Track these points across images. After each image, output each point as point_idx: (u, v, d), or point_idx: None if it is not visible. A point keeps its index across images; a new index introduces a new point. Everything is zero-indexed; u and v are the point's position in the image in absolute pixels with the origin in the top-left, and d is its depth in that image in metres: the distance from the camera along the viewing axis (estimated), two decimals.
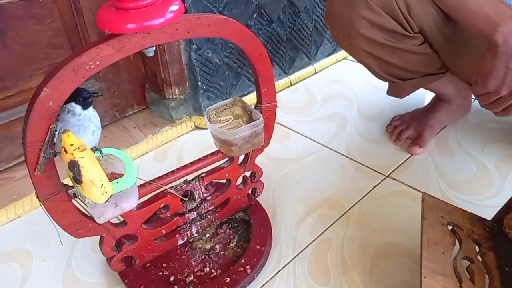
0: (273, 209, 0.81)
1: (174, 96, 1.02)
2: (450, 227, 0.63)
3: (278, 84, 1.22)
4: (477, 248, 0.61)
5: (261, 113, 0.64)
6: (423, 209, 0.65)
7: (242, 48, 0.58)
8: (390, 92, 0.93)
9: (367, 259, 0.70)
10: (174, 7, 0.46)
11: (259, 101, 0.65)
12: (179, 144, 1.01)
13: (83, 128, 0.53)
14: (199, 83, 1.03)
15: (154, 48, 0.50)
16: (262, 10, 1.08)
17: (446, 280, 0.56)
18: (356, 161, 0.93)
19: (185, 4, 0.91)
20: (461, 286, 0.55)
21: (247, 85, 1.15)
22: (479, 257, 0.60)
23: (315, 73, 1.32)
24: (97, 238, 0.60)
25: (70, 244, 0.75)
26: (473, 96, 0.99)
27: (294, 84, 1.27)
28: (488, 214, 0.76)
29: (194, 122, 1.05)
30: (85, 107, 0.53)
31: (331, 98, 1.18)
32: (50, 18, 0.84)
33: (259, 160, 0.71)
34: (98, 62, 0.45)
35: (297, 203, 0.82)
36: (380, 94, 0.91)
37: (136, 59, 1.01)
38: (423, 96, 1.10)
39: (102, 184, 0.47)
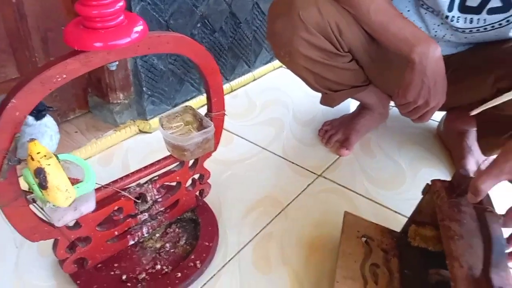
0: (218, 208, 0.87)
1: (119, 101, 1.04)
2: (364, 239, 0.74)
3: None
4: (384, 256, 0.72)
5: (211, 121, 0.71)
6: (343, 225, 0.76)
7: (197, 63, 0.63)
8: (323, 102, 1.04)
9: (303, 249, 0.79)
10: (139, 28, 0.51)
11: (209, 110, 0.71)
12: (123, 148, 1.03)
13: (40, 135, 0.55)
14: (144, 89, 1.06)
15: (117, 62, 0.54)
16: (206, 20, 1.14)
17: (354, 283, 0.66)
18: (292, 162, 1.03)
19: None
20: (365, 287, 0.66)
21: (190, 91, 1.20)
22: (384, 263, 0.71)
23: (254, 79, 1.40)
24: (43, 241, 0.61)
25: (16, 249, 0.75)
26: (391, 104, 1.14)
27: (235, 90, 1.34)
28: (402, 206, 0.90)
29: (138, 126, 1.08)
30: (38, 118, 0.55)
31: (269, 104, 1.27)
32: None
33: (205, 163, 0.77)
34: (64, 76, 0.49)
35: (240, 202, 0.89)
36: (313, 100, 1.01)
37: None
38: (349, 104, 1.23)
39: (67, 189, 0.50)
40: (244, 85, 1.37)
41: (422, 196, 0.72)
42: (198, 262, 0.71)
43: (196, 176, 0.79)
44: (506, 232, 0.57)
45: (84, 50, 0.48)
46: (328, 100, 1.02)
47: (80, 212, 0.57)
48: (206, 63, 0.63)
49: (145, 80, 1.05)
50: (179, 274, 0.69)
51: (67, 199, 0.50)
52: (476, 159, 1.01)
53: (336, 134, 1.09)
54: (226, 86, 1.31)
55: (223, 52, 1.25)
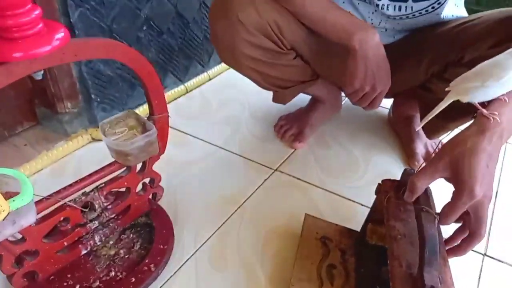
0: (175, 211, 0.87)
1: (67, 110, 1.02)
2: (323, 240, 0.75)
3: (174, 91, 1.28)
4: (341, 256, 0.73)
5: (154, 124, 0.70)
6: (303, 227, 0.77)
7: (131, 67, 0.63)
8: (274, 99, 1.05)
9: (260, 242, 0.80)
10: (60, 35, 0.50)
11: (151, 113, 0.71)
12: (76, 158, 1.02)
13: None
14: (93, 96, 1.04)
15: (42, 72, 0.53)
16: (151, 22, 1.13)
17: (310, 284, 0.68)
18: (248, 159, 1.04)
19: (71, 20, 0.92)
20: None
21: (143, 95, 1.18)
22: (341, 263, 0.72)
23: (210, 79, 1.40)
24: None
25: None
26: (343, 95, 1.17)
27: (190, 91, 1.34)
28: (356, 194, 0.92)
29: (90, 135, 1.06)
30: None
31: (225, 103, 1.27)
32: None
33: (159, 167, 0.77)
34: None
35: (197, 202, 0.89)
36: (269, 97, 1.03)
37: None
38: (306, 98, 1.25)
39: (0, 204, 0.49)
40: (200, 86, 1.37)
41: (375, 195, 0.72)
42: (152, 265, 0.71)
43: (147, 180, 0.78)
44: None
45: (4, 62, 0.48)
46: (279, 98, 1.03)
47: (20, 225, 0.56)
48: (141, 66, 0.63)
49: (92, 87, 1.03)
50: (133, 279, 0.69)
51: (0, 213, 0.49)
52: (424, 142, 1.05)
53: (291, 129, 1.11)
54: (181, 88, 1.31)
55: (173, 53, 1.25)
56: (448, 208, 0.57)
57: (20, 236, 0.62)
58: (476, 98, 0.60)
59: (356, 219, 0.85)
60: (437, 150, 1.05)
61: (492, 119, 0.56)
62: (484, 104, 0.59)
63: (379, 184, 0.72)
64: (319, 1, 0.81)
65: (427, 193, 0.62)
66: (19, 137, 1.02)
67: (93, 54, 0.57)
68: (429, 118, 0.68)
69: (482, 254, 0.81)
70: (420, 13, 0.84)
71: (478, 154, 0.55)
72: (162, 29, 1.17)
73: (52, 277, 0.69)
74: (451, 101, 0.64)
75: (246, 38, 0.83)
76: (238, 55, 0.86)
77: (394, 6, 0.83)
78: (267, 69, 0.91)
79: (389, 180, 0.71)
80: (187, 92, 1.32)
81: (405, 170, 0.68)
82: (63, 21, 0.92)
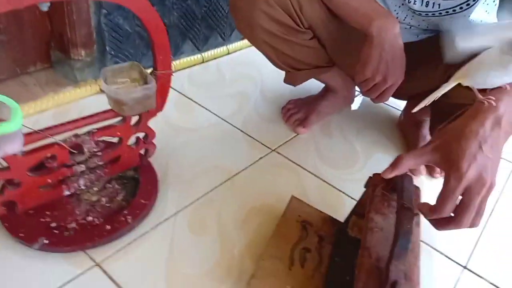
0: (165, 171, 0.87)
1: (80, 58, 1.03)
2: (303, 224, 0.74)
3: (190, 59, 1.28)
4: (318, 241, 0.72)
5: (156, 79, 0.70)
6: (286, 208, 0.77)
7: (140, 18, 0.63)
8: (286, 80, 1.03)
9: (241, 216, 0.80)
10: None
11: (154, 68, 0.71)
12: (80, 105, 1.03)
13: None
14: (107, 48, 1.05)
15: (49, 3, 0.53)
16: None
17: (280, 262, 0.67)
18: (249, 136, 1.03)
19: None
20: (290, 269, 0.67)
21: None
22: (317, 248, 0.71)
23: (228, 53, 1.39)
24: None
25: None
26: (357, 89, 1.15)
27: (207, 61, 1.33)
28: (348, 186, 0.90)
29: (99, 85, 1.07)
30: None
31: (239, 79, 1.27)
32: None
33: (159, 126, 0.77)
34: None
35: (189, 167, 0.90)
36: (282, 80, 1.02)
37: (42, 16, 1.00)
38: (318, 86, 1.23)
39: None
40: (217, 58, 1.36)
41: (364, 189, 0.71)
42: (129, 217, 0.71)
43: (141, 136, 0.79)
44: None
45: None
46: (290, 79, 1.02)
47: (4, 151, 0.57)
48: (150, 18, 0.63)
49: (108, 39, 1.03)
50: (109, 227, 0.69)
51: None
52: None
53: (298, 113, 1.10)
54: (197, 56, 1.30)
55: (195, 21, 1.24)
56: (439, 197, 0.55)
57: (5, 165, 0.63)
58: (477, 83, 0.58)
59: (342, 211, 0.84)
60: None
61: (486, 103, 0.54)
62: (485, 92, 0.57)
63: (369, 177, 0.70)
64: None
65: (413, 192, 0.60)
66: (30, 76, 1.04)
67: None
68: (429, 102, 0.66)
69: (463, 266, 0.78)
70: (447, 12, 0.80)
71: (468, 136, 0.53)
72: None
73: (31, 211, 0.70)
74: (454, 84, 0.62)
75: (265, 10, 0.82)
76: (254, 26, 0.85)
77: (422, 1, 0.80)
78: (281, 45, 0.89)
79: (380, 175, 0.69)
80: (203, 61, 1.32)
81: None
82: None
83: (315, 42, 0.92)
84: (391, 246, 0.53)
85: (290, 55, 0.92)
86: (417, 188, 0.68)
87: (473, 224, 0.54)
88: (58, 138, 0.66)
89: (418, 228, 0.61)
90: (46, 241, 0.66)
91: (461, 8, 0.77)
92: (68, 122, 0.67)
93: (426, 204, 0.56)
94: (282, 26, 0.85)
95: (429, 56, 0.89)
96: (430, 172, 1.00)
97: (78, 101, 1.04)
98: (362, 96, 1.21)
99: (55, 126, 0.65)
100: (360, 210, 0.73)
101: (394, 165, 0.57)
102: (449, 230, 0.56)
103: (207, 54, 1.33)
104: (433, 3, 0.79)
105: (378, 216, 0.62)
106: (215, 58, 1.35)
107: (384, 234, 0.59)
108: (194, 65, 1.30)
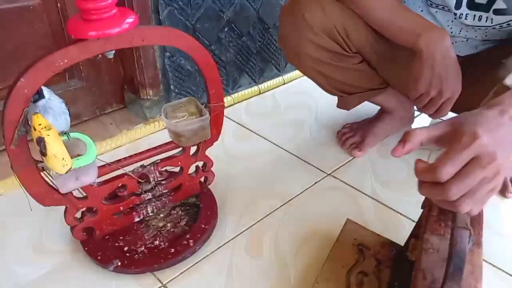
0: (224, 198, 0.92)
1: (149, 97, 1.14)
2: (360, 248, 0.74)
3: (247, 91, 1.35)
4: (376, 265, 0.71)
5: (210, 111, 0.77)
6: (342, 231, 0.77)
7: (192, 56, 0.70)
8: (338, 105, 1.05)
9: (297, 240, 0.81)
10: (129, 20, 0.58)
11: (208, 101, 0.77)
12: (150, 140, 1.13)
13: (43, 113, 0.63)
14: (172, 86, 1.15)
15: (113, 51, 0.62)
16: (233, 25, 1.21)
17: (335, 286, 0.67)
18: (305, 161, 1.05)
19: (160, 17, 1.04)
20: None
21: None
22: (375, 272, 0.69)
23: (284, 83, 1.45)
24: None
25: (43, 218, 0.86)
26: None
27: (263, 92, 1.39)
28: (408, 209, 0.88)
29: None
30: (35, 101, 0.62)
31: (294, 107, 1.30)
32: (40, 23, 0.97)
33: (219, 156, 0.83)
34: (66, 60, 0.57)
35: (246, 193, 0.94)
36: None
37: (116, 63, 1.13)
38: (374, 108, 1.23)
39: (63, 158, 0.58)
40: (273, 88, 1.41)
41: (422, 210, 0.70)
42: (191, 241, 0.76)
43: (200, 164, 0.85)
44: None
45: (82, 39, 0.57)
46: (343, 103, 1.03)
47: (81, 182, 0.66)
48: (201, 56, 0.70)
49: (172, 79, 1.14)
50: (172, 250, 0.75)
51: (64, 166, 0.59)
52: None
53: (353, 137, 1.10)
54: (254, 88, 1.37)
55: (251, 55, 1.31)
56: (439, 157, 0.45)
57: (84, 194, 0.72)
58: None
59: (403, 234, 0.81)
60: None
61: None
62: None
63: (425, 197, 0.68)
64: (388, 5, 0.80)
65: (475, 217, 0.58)
66: (107, 116, 1.17)
67: (158, 40, 0.65)
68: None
69: None
70: (501, 26, 0.78)
71: (491, 105, 0.47)
72: (243, 32, 1.25)
73: (107, 236, 0.78)
74: None
75: (311, 38, 0.85)
76: (302, 55, 0.89)
77: (474, 16, 0.79)
78: (330, 71, 0.92)
79: None
80: (260, 93, 1.38)
81: None
82: (153, 17, 1.04)
83: (365, 65, 0.93)
84: (445, 267, 0.51)
85: (340, 80, 0.94)
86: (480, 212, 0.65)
87: (460, 204, 0.46)
88: (127, 169, 0.74)
89: (478, 249, 0.58)
90: (119, 263, 0.73)
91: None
92: (135, 155, 0.75)
93: (422, 162, 0.48)
94: (330, 53, 0.88)
95: (489, 68, 0.85)
96: (502, 192, 0.93)
97: (148, 136, 1.15)
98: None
99: (124, 158, 0.74)
100: (418, 232, 0.71)
101: (404, 139, 0.49)
102: (432, 197, 0.49)
103: (264, 85, 1.39)
104: (486, 17, 0.77)
105: (434, 237, 0.60)
106: (271, 89, 1.41)
107: (440, 255, 0.57)
108: (252, 96, 1.36)
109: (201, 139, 0.77)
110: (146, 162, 0.77)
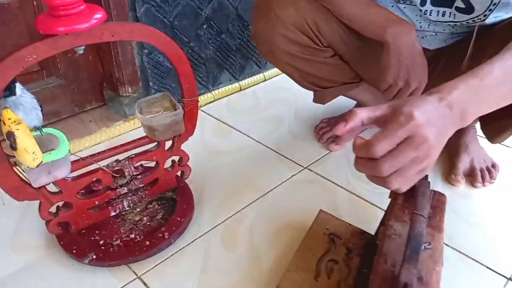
0: (201, 191, 0.93)
1: (128, 94, 1.15)
2: (331, 237, 0.76)
3: (228, 88, 1.37)
4: (346, 253, 0.73)
5: (184, 106, 0.78)
6: (314, 221, 0.78)
7: (163, 52, 0.71)
8: (314, 99, 1.07)
9: (272, 232, 0.83)
10: (98, 16, 0.59)
11: (182, 96, 0.78)
12: (130, 137, 1.11)
13: (13, 108, 0.64)
14: (151, 83, 1.16)
15: (83, 47, 0.63)
16: (212, 22, 1.22)
17: (306, 273, 0.69)
18: (282, 155, 1.07)
19: (137, 14, 1.04)
20: (316, 280, 0.68)
21: (198, 88, 1.28)
22: (345, 260, 0.71)
23: (265, 80, 1.46)
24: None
25: (18, 213, 0.86)
26: None
27: (244, 89, 1.41)
28: (382, 200, 0.90)
29: None
30: (5, 96, 0.63)
31: (274, 103, 1.32)
32: (16, 22, 0.97)
33: (197, 151, 0.84)
34: (35, 56, 0.58)
35: (223, 187, 0.95)
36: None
37: (95, 61, 1.14)
38: (351, 103, 1.25)
39: (34, 152, 0.59)
40: (254, 85, 1.43)
41: (390, 199, 0.71)
42: (167, 233, 0.78)
43: (176, 159, 0.86)
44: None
45: (51, 34, 0.58)
46: (319, 98, 1.05)
47: (54, 176, 0.67)
48: (173, 51, 0.71)
49: (151, 75, 1.15)
50: (148, 243, 0.76)
51: (34, 160, 0.59)
52: (471, 157, 0.99)
53: (330, 131, 1.12)
54: (235, 85, 1.38)
55: (231, 52, 1.33)
56: (380, 132, 0.47)
57: (58, 189, 0.73)
58: None
59: (375, 224, 0.83)
60: (493, 173, 0.97)
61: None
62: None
63: None
64: (357, 0, 0.82)
65: (428, 197, 0.60)
66: (87, 114, 1.18)
67: (129, 36, 0.66)
68: None
69: (507, 278, 0.74)
70: (462, 23, 0.81)
71: (424, 98, 0.49)
72: (222, 29, 1.26)
73: (83, 231, 0.79)
74: None
75: (283, 33, 0.87)
76: (275, 50, 0.90)
77: (438, 12, 0.81)
78: (303, 65, 0.93)
79: None
80: (240, 89, 1.40)
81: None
82: (130, 15, 1.05)
83: (337, 59, 0.95)
84: (404, 251, 0.53)
85: (314, 74, 0.96)
86: (441, 194, 0.68)
87: (390, 181, 0.48)
88: (101, 164, 0.75)
89: (439, 234, 0.60)
90: (94, 256, 0.74)
91: (474, 21, 0.77)
92: (109, 149, 0.76)
93: (361, 138, 0.50)
94: (301, 47, 0.90)
95: (459, 60, 0.88)
96: (472, 182, 0.96)
97: (127, 133, 1.15)
98: None
99: (98, 153, 0.75)
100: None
101: (346, 118, 0.51)
102: (365, 173, 0.51)
103: (245, 82, 1.41)
104: (450, 12, 0.80)
105: (397, 224, 0.62)
106: (252, 86, 1.43)
107: (402, 240, 0.59)
108: (232, 93, 1.38)
109: (175, 133, 0.78)
110: (121, 156, 0.78)
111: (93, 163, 0.74)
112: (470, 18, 0.77)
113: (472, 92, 0.50)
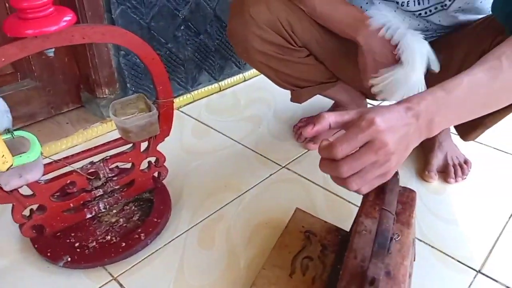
0: (180, 192, 0.94)
1: (105, 96, 1.14)
2: (307, 234, 0.76)
3: (207, 88, 1.37)
4: (321, 250, 0.74)
5: (159, 107, 0.78)
6: (290, 219, 0.79)
7: (136, 53, 0.71)
8: (291, 98, 1.08)
9: (249, 231, 0.84)
10: (67, 18, 0.59)
11: (156, 97, 0.78)
12: (107, 139, 1.10)
13: None
14: (128, 85, 1.15)
15: (53, 49, 0.62)
16: (189, 23, 1.22)
17: (281, 270, 0.70)
18: (261, 155, 1.08)
19: (112, 16, 1.04)
20: (291, 276, 0.69)
21: (176, 89, 1.29)
22: (320, 257, 0.72)
23: (245, 80, 1.47)
24: None
25: None
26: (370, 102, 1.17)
27: (224, 89, 1.41)
28: (359, 198, 0.91)
29: None
30: None
31: (254, 103, 1.33)
32: None
33: (175, 152, 0.84)
34: (3, 59, 0.58)
35: (202, 188, 0.95)
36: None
37: (70, 62, 1.13)
38: (330, 102, 1.27)
39: (3, 155, 0.59)
40: (234, 85, 1.44)
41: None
42: (143, 234, 0.78)
43: (153, 160, 0.86)
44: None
45: (20, 37, 0.58)
46: (295, 97, 1.06)
47: (26, 179, 0.66)
48: (146, 53, 0.71)
49: (128, 77, 1.14)
50: (124, 244, 0.76)
51: (4, 163, 0.59)
52: (444, 154, 1.02)
53: None
54: (214, 86, 1.38)
55: (209, 53, 1.33)
56: (342, 135, 0.48)
57: (31, 192, 0.72)
58: None
59: (351, 221, 0.85)
60: (465, 169, 1.00)
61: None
62: None
63: None
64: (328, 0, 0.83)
65: (396, 193, 0.62)
66: (63, 116, 1.17)
67: (100, 38, 0.66)
68: None
69: (476, 271, 0.76)
70: (436, 8, 0.82)
71: (391, 107, 0.50)
72: (200, 30, 1.26)
73: (58, 233, 0.79)
74: None
75: (257, 33, 0.88)
76: (250, 49, 0.91)
77: (414, 1, 0.83)
78: (279, 65, 0.94)
79: None
80: (220, 90, 1.40)
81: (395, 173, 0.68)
82: (106, 16, 1.05)
83: (312, 59, 0.96)
84: (372, 247, 0.55)
85: (289, 74, 0.97)
86: (411, 191, 0.69)
87: (350, 182, 0.50)
88: (75, 166, 0.75)
89: (408, 230, 0.62)
90: (69, 259, 0.73)
91: (442, 6, 0.79)
92: (83, 151, 0.75)
93: (326, 140, 0.51)
94: (276, 47, 0.91)
95: (445, 50, 0.89)
96: (445, 178, 0.98)
97: (105, 135, 1.15)
98: None
99: (72, 155, 0.74)
100: None
101: (313, 121, 0.53)
102: (328, 173, 0.53)
103: (224, 82, 1.41)
104: None
105: (367, 220, 0.63)
106: (231, 86, 1.43)
107: (372, 236, 0.60)
108: (212, 94, 1.38)
109: (150, 134, 0.78)
110: (96, 158, 0.78)
111: (66, 166, 0.73)
112: (439, 3, 0.79)
113: (440, 103, 0.51)
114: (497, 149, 1.09)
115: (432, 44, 0.91)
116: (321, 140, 0.52)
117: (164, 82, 0.77)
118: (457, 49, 0.86)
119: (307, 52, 0.95)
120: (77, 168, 0.75)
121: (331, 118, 0.52)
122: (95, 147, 0.77)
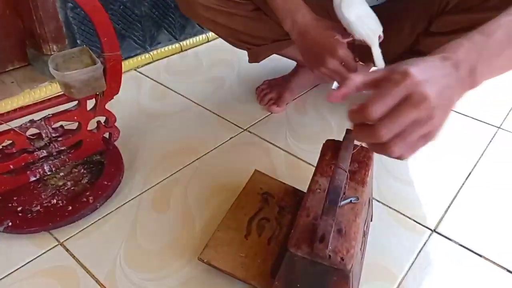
0: (134, 155, 0.89)
1: (53, 53, 1.05)
2: (264, 196, 0.75)
3: (167, 48, 1.30)
4: (278, 211, 0.72)
5: (105, 62, 0.72)
6: (248, 181, 0.77)
7: (76, 1, 0.64)
8: (249, 59, 1.03)
9: (206, 194, 0.81)
10: None
11: (101, 50, 0.72)
12: None
13: None
14: (78, 41, 1.07)
15: None
16: None
17: (236, 232, 0.68)
18: (222, 117, 1.04)
19: None
20: (246, 238, 0.67)
21: (133, 48, 1.21)
22: (277, 218, 0.71)
23: (208, 41, 1.40)
24: None
25: None
26: None
27: (185, 50, 1.34)
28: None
29: None
30: None
31: (216, 64, 1.27)
32: None
33: (133, 114, 0.78)
34: None
35: (158, 150, 0.91)
36: (259, 64, 1.02)
37: (13, 16, 1.03)
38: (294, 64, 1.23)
39: None
40: (196, 46, 1.37)
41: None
42: (91, 198, 0.73)
43: (102, 120, 0.80)
44: None
45: None
46: (252, 56, 1.02)
47: None
48: (86, 1, 0.64)
49: (78, 32, 1.06)
50: (70, 208, 0.72)
51: None
52: None
53: (271, 92, 1.09)
54: (175, 46, 1.31)
55: (169, 10, 1.25)
56: (374, 93, 0.42)
57: None
58: None
59: None
60: None
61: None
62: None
63: (323, 144, 0.70)
64: None
65: (350, 152, 0.60)
66: (8, 75, 1.08)
67: None
68: None
69: (431, 230, 0.77)
70: None
71: (425, 58, 0.44)
72: None
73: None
74: None
75: None
76: (193, 4, 0.85)
77: None
78: (225, 20, 0.88)
79: (333, 140, 0.69)
80: (181, 51, 1.33)
81: (347, 130, 0.66)
82: None
83: (261, 13, 0.90)
84: (323, 204, 0.53)
85: (240, 30, 0.91)
86: (368, 150, 0.68)
87: (391, 146, 0.42)
88: (13, 125, 0.69)
89: (363, 188, 0.60)
90: (9, 223, 0.68)
91: None
92: (21, 108, 0.69)
93: (355, 104, 0.44)
94: (219, 0, 0.85)
95: (392, 18, 0.87)
96: None
97: (54, 95, 1.07)
98: None
99: (7, 113, 0.68)
100: None
101: (340, 84, 0.50)
102: (364, 141, 0.47)
103: (186, 43, 1.34)
104: None
105: (322, 178, 0.62)
106: (194, 47, 1.36)
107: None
108: (172, 54, 1.31)
109: (95, 90, 0.72)
110: (37, 117, 0.72)
111: (2, 123, 0.67)
112: None
113: (480, 49, 0.45)
114: (457, 112, 1.09)
115: (385, 5, 0.88)
116: (352, 105, 0.43)
117: (109, 33, 0.70)
118: (413, 7, 0.83)
119: (254, 5, 0.89)
120: (15, 127, 0.69)
121: (359, 79, 0.45)
122: (34, 104, 0.71)
